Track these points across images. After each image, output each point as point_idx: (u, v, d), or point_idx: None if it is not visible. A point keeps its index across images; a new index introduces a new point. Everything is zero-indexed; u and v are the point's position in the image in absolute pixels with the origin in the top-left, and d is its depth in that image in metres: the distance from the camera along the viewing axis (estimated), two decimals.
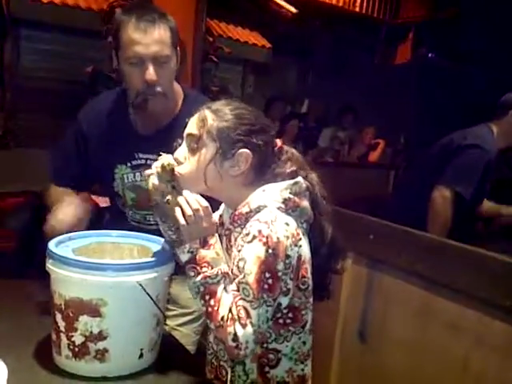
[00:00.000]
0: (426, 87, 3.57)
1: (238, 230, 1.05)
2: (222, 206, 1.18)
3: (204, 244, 1.02)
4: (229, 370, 1.06)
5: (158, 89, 1.38)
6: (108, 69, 3.04)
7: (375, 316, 1.88)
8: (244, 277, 0.96)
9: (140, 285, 1.09)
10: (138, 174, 1.49)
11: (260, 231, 0.96)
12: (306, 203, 1.06)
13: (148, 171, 1.08)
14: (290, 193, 1.04)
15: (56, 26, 3.41)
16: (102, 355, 1.10)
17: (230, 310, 0.95)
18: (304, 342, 1.09)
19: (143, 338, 1.16)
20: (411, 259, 1.73)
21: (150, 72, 1.35)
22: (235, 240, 1.05)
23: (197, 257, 1.00)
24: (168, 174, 1.05)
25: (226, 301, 0.97)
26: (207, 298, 0.98)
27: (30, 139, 3.40)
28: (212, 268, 0.99)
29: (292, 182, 1.05)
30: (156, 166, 1.05)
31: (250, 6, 3.88)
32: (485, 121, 2.34)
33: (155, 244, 1.29)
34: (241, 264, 0.97)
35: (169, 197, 1.04)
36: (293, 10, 3.57)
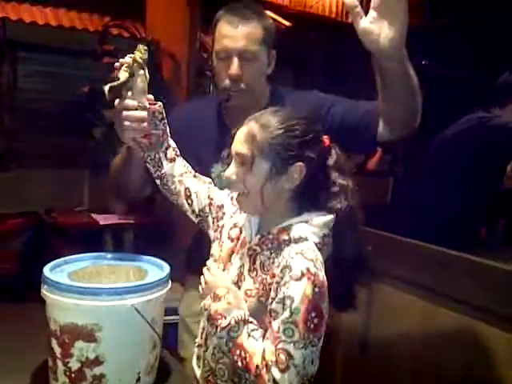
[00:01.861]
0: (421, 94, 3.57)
1: (267, 253, 1.03)
2: (230, 209, 1.17)
3: (215, 298, 1.01)
4: None
5: (242, 85, 1.36)
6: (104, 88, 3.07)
7: (376, 328, 1.87)
8: (291, 316, 0.92)
9: (135, 308, 1.08)
10: None
11: (308, 269, 0.94)
12: (331, 239, 1.04)
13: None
14: (329, 229, 1.03)
15: (52, 47, 3.45)
16: (98, 381, 1.09)
17: (264, 357, 0.93)
18: None
19: (140, 361, 1.15)
20: (411, 269, 1.73)
21: (235, 67, 1.34)
22: (261, 263, 1.03)
23: (212, 312, 1.00)
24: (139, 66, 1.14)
25: (257, 348, 0.95)
26: (238, 351, 0.96)
27: (30, 160, 3.42)
28: (225, 318, 0.97)
29: (331, 217, 1.03)
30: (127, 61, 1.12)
31: None
32: (478, 109, 2.26)
33: (151, 265, 1.28)
34: (287, 302, 0.93)
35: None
36: (286, 23, 3.59)
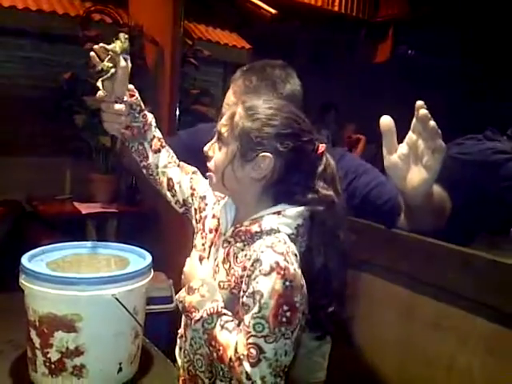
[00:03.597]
0: (406, 84, 3.58)
1: (240, 245, 1.01)
2: (211, 199, 1.16)
3: (189, 290, 1.00)
4: (206, 381, 1.04)
5: None
6: (86, 74, 3.01)
7: (361, 318, 1.87)
8: (260, 311, 0.90)
9: (116, 298, 1.07)
10: None
11: (278, 263, 0.91)
12: (307, 228, 1.02)
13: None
14: (303, 219, 1.00)
15: (32, 32, 3.37)
16: (79, 371, 1.08)
17: (236, 350, 0.92)
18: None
19: (121, 351, 1.13)
20: (394, 259, 1.73)
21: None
22: (234, 255, 1.01)
23: (186, 305, 0.99)
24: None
25: (230, 340, 0.93)
26: (213, 343, 0.95)
27: (10, 148, 3.35)
28: (198, 311, 0.97)
29: (305, 208, 1.00)
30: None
31: (228, 8, 3.86)
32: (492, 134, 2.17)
33: (133, 255, 1.27)
34: (257, 297, 0.91)
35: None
36: (272, 10, 3.56)
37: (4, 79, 3.35)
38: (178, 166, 1.25)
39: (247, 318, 0.92)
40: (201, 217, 1.17)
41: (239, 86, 1.35)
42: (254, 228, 0.99)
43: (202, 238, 1.14)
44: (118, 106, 1.17)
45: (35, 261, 1.17)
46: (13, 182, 3.23)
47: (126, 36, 1.16)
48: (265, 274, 0.91)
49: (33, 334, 1.09)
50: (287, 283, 0.90)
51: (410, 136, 1.02)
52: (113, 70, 1.14)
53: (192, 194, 1.20)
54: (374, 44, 4.21)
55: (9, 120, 3.33)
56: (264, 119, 0.98)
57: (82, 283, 1.05)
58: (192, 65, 3.27)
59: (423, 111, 0.98)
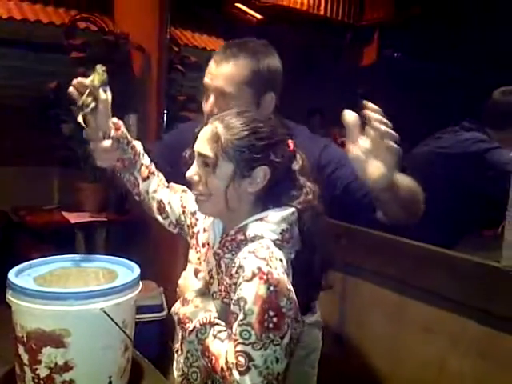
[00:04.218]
0: (392, 87, 3.61)
1: (229, 256, 1.00)
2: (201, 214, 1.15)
3: (183, 302, 1.01)
4: None
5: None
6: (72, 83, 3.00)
7: (351, 320, 1.88)
8: (245, 318, 0.89)
9: (104, 312, 1.06)
10: None
11: (260, 268, 0.90)
12: (296, 233, 1.01)
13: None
14: (288, 223, 0.99)
15: (17, 41, 3.34)
16: None
17: (227, 359, 0.91)
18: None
19: (111, 365, 1.13)
20: (384, 262, 1.74)
21: (208, 105, 1.34)
22: (226, 266, 1.01)
23: (180, 316, 1.00)
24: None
25: (222, 350, 0.93)
26: (206, 353, 0.95)
27: None
28: (192, 321, 0.97)
29: (290, 211, 1.00)
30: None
31: (214, 14, 3.86)
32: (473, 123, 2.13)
33: (121, 267, 1.26)
34: (241, 304, 0.90)
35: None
36: (257, 15, 3.57)
37: None
38: (167, 187, 1.26)
39: (235, 326, 0.91)
40: (193, 232, 1.17)
41: (220, 55, 1.35)
42: (239, 236, 0.99)
43: (197, 252, 1.14)
44: (106, 144, 1.17)
45: (22, 276, 1.16)
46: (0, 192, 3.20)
47: (104, 68, 1.16)
48: (247, 280, 0.90)
49: (21, 350, 1.08)
50: (271, 288, 0.89)
51: (368, 132, 1.05)
52: (93, 104, 1.14)
53: (183, 212, 1.20)
54: (360, 47, 4.23)
55: None
56: (250, 134, 0.97)
57: (70, 298, 1.05)
58: (179, 71, 3.25)
59: (374, 116, 1.02)
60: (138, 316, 1.24)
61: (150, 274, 2.63)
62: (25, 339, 1.06)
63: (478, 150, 2.04)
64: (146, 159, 1.26)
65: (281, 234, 0.98)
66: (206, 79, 1.35)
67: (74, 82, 1.15)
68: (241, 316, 0.90)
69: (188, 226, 1.19)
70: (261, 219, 0.99)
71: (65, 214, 3.07)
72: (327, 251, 1.05)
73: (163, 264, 2.39)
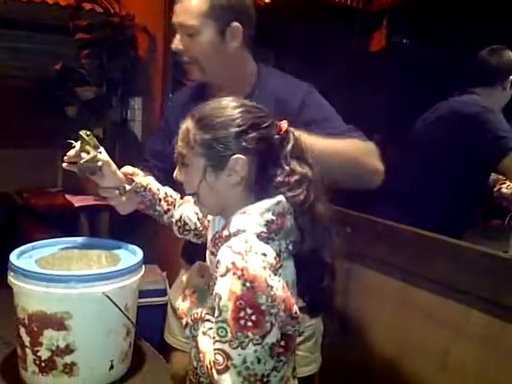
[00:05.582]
0: (401, 73, 3.56)
1: (217, 252, 0.97)
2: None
3: (183, 297, 1.00)
4: None
5: (185, 58, 1.38)
6: (77, 65, 2.97)
7: (355, 309, 1.87)
8: (220, 314, 0.86)
9: (106, 295, 1.05)
10: None
11: (234, 263, 0.86)
12: (290, 223, 0.96)
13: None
14: (273, 214, 0.94)
15: (22, 22, 3.32)
16: (70, 369, 1.06)
17: (210, 357, 0.89)
18: (289, 367, 1.02)
19: (113, 349, 1.12)
20: (388, 252, 1.72)
21: (174, 42, 1.37)
22: (212, 263, 0.99)
23: (179, 311, 0.99)
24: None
25: (208, 347, 0.91)
26: (198, 350, 0.94)
27: (0, 139, 3.31)
28: (186, 317, 0.97)
29: (275, 201, 0.94)
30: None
31: None
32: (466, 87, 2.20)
33: (124, 251, 1.25)
34: (216, 300, 0.87)
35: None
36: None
37: None
38: (181, 203, 1.24)
39: (214, 323, 0.88)
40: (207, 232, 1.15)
41: None
42: (225, 232, 0.95)
43: (207, 248, 1.10)
44: (123, 199, 1.20)
45: (24, 258, 1.15)
46: (3, 175, 3.19)
47: (88, 132, 1.15)
48: (222, 275, 0.87)
49: (22, 332, 1.07)
50: (247, 284, 0.85)
51: None
52: (99, 172, 1.16)
53: (198, 218, 1.19)
54: (369, 33, 4.17)
55: None
56: (219, 124, 0.94)
57: (72, 281, 1.04)
58: None
59: None
60: (140, 300, 1.23)
61: (153, 258, 2.63)
62: (26, 321, 1.06)
63: (475, 112, 2.07)
64: (161, 192, 1.25)
65: (265, 225, 0.92)
66: (172, 18, 1.37)
67: (65, 160, 1.18)
68: (217, 312, 0.87)
69: (205, 228, 1.17)
70: (243, 212, 0.94)
71: (68, 197, 3.06)
72: (331, 241, 0.99)
73: (167, 248, 2.38)
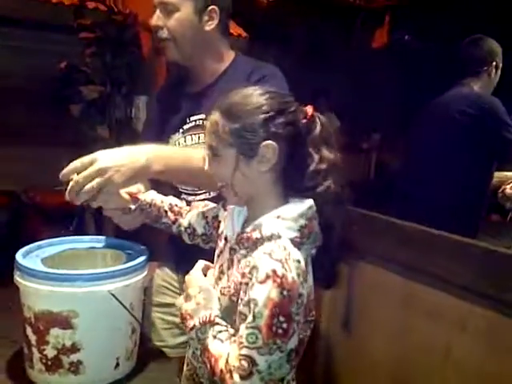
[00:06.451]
0: (403, 69, 3.56)
1: (243, 252, 0.97)
2: (223, 215, 1.12)
3: (186, 298, 0.98)
4: None
5: (163, 35, 1.40)
6: (81, 64, 2.99)
7: (358, 305, 1.87)
8: (254, 320, 0.86)
9: (112, 294, 1.06)
10: (188, 137, 1.45)
11: (275, 271, 0.86)
12: (317, 227, 0.97)
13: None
14: (306, 219, 0.95)
15: (26, 21, 3.33)
16: (76, 367, 1.07)
17: (228, 361, 0.88)
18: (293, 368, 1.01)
19: (119, 347, 1.13)
20: (391, 247, 1.73)
21: (153, 18, 1.40)
22: (238, 261, 0.98)
23: (182, 312, 0.97)
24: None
25: (222, 351, 0.90)
26: (205, 354, 0.92)
27: (6, 138, 3.33)
28: (192, 319, 0.94)
29: (307, 206, 0.96)
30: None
31: None
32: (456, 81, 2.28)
33: (129, 249, 1.26)
34: (251, 305, 0.87)
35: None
36: None
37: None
38: (189, 211, 1.23)
39: (242, 328, 0.88)
40: (218, 234, 1.13)
41: None
42: (255, 234, 0.95)
43: (216, 248, 1.11)
44: (129, 218, 1.21)
45: (30, 257, 1.16)
46: (9, 173, 3.21)
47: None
48: (260, 282, 0.87)
49: (29, 330, 1.08)
50: (284, 292, 0.86)
51: None
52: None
53: (206, 222, 1.18)
54: (371, 30, 4.16)
55: (4, 110, 3.31)
56: (246, 112, 0.94)
57: (78, 279, 1.05)
58: None
59: None
60: (145, 298, 1.24)
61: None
62: (32, 320, 1.07)
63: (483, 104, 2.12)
64: (166, 204, 1.24)
65: (299, 230, 0.94)
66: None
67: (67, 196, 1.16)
68: (249, 318, 0.87)
69: (215, 231, 1.16)
70: (277, 216, 0.95)
71: None
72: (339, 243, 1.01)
73: None
